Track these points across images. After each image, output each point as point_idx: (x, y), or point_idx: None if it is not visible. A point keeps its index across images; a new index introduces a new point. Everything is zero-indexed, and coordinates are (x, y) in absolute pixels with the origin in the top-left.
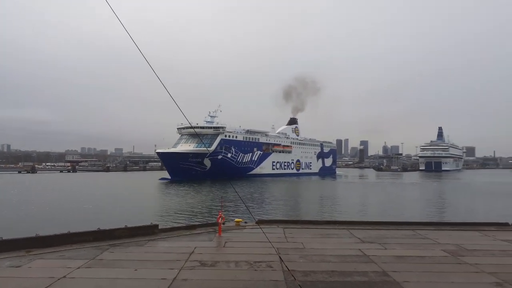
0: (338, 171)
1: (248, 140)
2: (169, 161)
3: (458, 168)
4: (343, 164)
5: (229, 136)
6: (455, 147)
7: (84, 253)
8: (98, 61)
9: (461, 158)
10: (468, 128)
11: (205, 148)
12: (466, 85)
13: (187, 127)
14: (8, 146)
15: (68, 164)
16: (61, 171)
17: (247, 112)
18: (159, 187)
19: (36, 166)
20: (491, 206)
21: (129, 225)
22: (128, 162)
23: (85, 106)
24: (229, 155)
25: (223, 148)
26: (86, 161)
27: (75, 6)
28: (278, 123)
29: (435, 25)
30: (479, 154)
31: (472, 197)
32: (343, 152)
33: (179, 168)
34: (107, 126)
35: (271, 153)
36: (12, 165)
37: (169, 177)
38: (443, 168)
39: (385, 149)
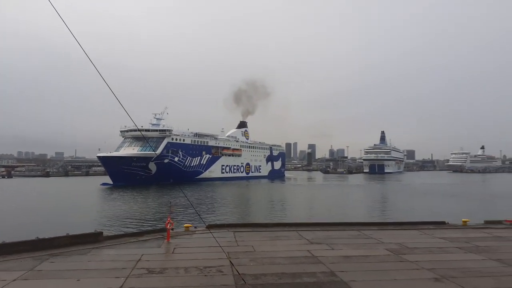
0: (287, 174)
1: (196, 143)
2: (111, 165)
3: (399, 170)
4: (292, 167)
5: (176, 139)
6: (397, 150)
7: (21, 264)
8: (36, 62)
9: (402, 160)
10: (408, 132)
11: (151, 152)
12: (405, 93)
13: (131, 130)
14: None
15: (3, 169)
16: None
17: (197, 116)
18: (101, 193)
19: None
20: (429, 205)
21: (71, 233)
22: (69, 167)
23: (21, 108)
24: (176, 159)
25: (170, 151)
26: (23, 166)
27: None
28: (228, 127)
29: (378, 37)
30: (418, 157)
31: (412, 198)
32: (292, 155)
33: (122, 173)
34: (46, 129)
35: (220, 157)
36: None
37: (111, 183)
38: (385, 170)
39: (331, 152)
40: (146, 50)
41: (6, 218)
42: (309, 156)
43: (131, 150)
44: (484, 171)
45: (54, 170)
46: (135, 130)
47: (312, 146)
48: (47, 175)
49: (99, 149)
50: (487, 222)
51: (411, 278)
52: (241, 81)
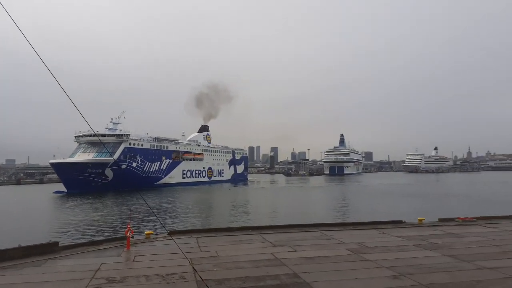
0: (250, 177)
1: (155, 148)
2: (65, 172)
3: (358, 172)
4: (255, 171)
5: (134, 144)
6: (356, 152)
7: None
8: None
9: (361, 162)
10: (366, 134)
11: (107, 158)
12: (363, 96)
13: (86, 135)
14: None
15: None
16: None
17: (159, 122)
18: (55, 202)
19: None
20: (387, 205)
21: (24, 244)
22: (21, 175)
23: None
24: (134, 164)
25: (128, 157)
26: None
27: None
28: (191, 131)
29: (337, 40)
30: (376, 158)
31: (371, 198)
32: (255, 158)
33: (77, 180)
34: None
35: (181, 161)
36: None
37: (65, 190)
38: (345, 172)
39: (293, 155)
40: (103, 52)
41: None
42: (272, 159)
43: (86, 156)
44: (438, 171)
45: (5, 178)
46: (90, 135)
47: (274, 149)
48: None
49: (54, 156)
50: (441, 220)
51: (371, 277)
52: (202, 84)
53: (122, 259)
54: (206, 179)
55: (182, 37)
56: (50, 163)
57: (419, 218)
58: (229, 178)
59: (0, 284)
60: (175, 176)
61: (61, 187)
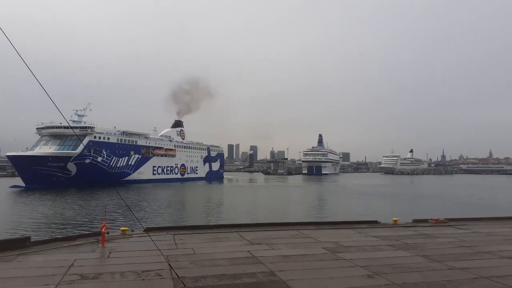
0: (229, 175)
1: (123, 142)
2: (23, 166)
3: (335, 172)
4: (234, 168)
5: (100, 138)
6: (333, 152)
7: None
8: None
9: (338, 162)
10: (344, 136)
11: (69, 151)
12: (342, 98)
13: (48, 127)
14: None
15: None
16: None
17: (133, 118)
18: (12, 197)
19: None
20: (363, 205)
21: None
22: None
23: None
24: (99, 158)
25: (92, 150)
26: None
27: None
28: (165, 127)
29: (319, 42)
30: (353, 159)
31: (347, 198)
32: (234, 156)
33: (36, 174)
34: None
35: (151, 157)
36: None
37: (23, 185)
38: (323, 172)
39: (272, 154)
40: (76, 40)
41: None
42: (251, 158)
43: (48, 149)
44: (413, 173)
45: None
46: (52, 127)
47: (254, 148)
48: None
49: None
50: (415, 221)
51: (346, 276)
52: (182, 78)
53: (97, 255)
54: (178, 176)
55: (163, 32)
56: (7, 155)
57: (393, 218)
58: (204, 175)
59: None
60: (144, 172)
61: (18, 181)
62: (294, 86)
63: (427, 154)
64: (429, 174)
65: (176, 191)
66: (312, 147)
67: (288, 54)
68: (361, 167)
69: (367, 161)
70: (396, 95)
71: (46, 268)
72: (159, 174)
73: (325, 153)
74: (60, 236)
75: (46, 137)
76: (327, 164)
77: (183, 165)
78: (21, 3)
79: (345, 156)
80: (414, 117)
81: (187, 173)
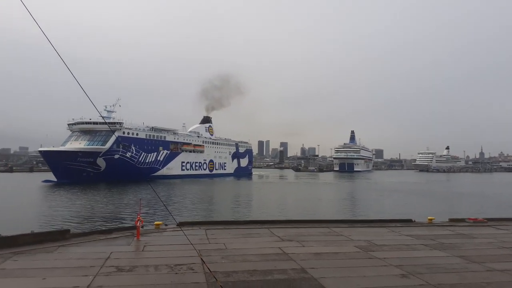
0: (259, 171)
1: (152, 138)
2: (54, 161)
3: (368, 169)
4: (264, 165)
5: (129, 133)
6: (366, 149)
7: None
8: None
9: (371, 159)
10: (377, 132)
11: (98, 147)
12: (375, 94)
13: (78, 123)
14: None
15: None
16: None
17: (162, 113)
18: (46, 191)
19: None
20: (396, 203)
21: (36, 231)
22: (34, 162)
23: None
24: (128, 154)
25: (121, 146)
26: None
27: None
28: (193, 122)
29: (356, 38)
30: (386, 156)
31: (381, 196)
32: (264, 153)
33: (67, 169)
34: (10, 123)
35: (180, 153)
36: None
37: (55, 180)
38: (355, 169)
39: (303, 150)
40: (111, 43)
41: None
42: (281, 154)
43: (78, 145)
44: (449, 170)
45: (19, 167)
46: (82, 123)
47: (284, 144)
48: (10, 170)
49: (41, 145)
50: (451, 220)
51: (379, 275)
52: (213, 75)
53: (132, 248)
54: (207, 172)
55: (196, 35)
56: (39, 151)
57: (429, 217)
58: (232, 171)
59: (13, 269)
60: (173, 167)
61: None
62: (326, 82)
63: (464, 151)
64: (466, 172)
65: (206, 187)
66: (344, 143)
67: (320, 51)
68: (395, 165)
69: (401, 158)
70: (433, 90)
71: (85, 260)
72: (187, 169)
73: (358, 149)
74: (97, 229)
75: (77, 132)
76: (359, 161)
77: (211, 161)
78: (66, 11)
79: (378, 153)
80: (451, 113)
81: (216, 169)
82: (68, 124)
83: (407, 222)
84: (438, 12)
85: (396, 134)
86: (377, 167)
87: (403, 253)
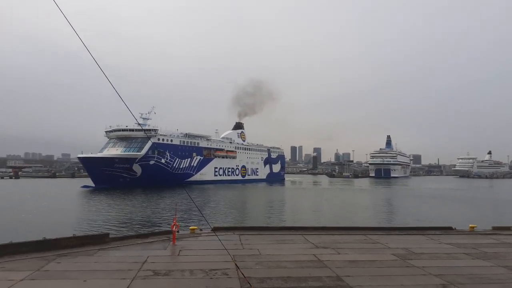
0: (292, 177)
1: (186, 144)
2: (93, 167)
3: (406, 175)
4: (297, 171)
5: (163, 140)
6: (403, 154)
7: (28, 264)
8: (44, 67)
9: (409, 165)
10: (415, 137)
11: (134, 153)
12: (411, 96)
13: (115, 130)
14: None
15: (10, 169)
16: (2, 178)
17: (195, 120)
18: (85, 196)
19: None
20: (435, 210)
21: (77, 234)
22: (76, 168)
23: (29, 110)
24: (163, 160)
25: (156, 152)
26: (30, 166)
27: (27, 12)
28: (225, 129)
29: (385, 38)
30: (424, 161)
31: (419, 203)
32: (297, 159)
33: (104, 175)
34: (53, 131)
35: (213, 159)
36: None
37: (93, 185)
38: (392, 175)
39: (337, 156)
40: (146, 52)
41: (13, 218)
42: (315, 160)
43: (115, 151)
44: (492, 176)
45: (62, 172)
46: (119, 130)
47: (317, 150)
48: (54, 176)
49: (81, 152)
50: (495, 228)
51: (418, 284)
52: (245, 81)
53: (168, 253)
54: (239, 177)
55: (228, 42)
56: (78, 157)
57: (470, 225)
58: (264, 177)
59: (56, 271)
60: (206, 173)
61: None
62: (359, 85)
63: (508, 156)
64: (511, 177)
65: (238, 192)
66: (380, 149)
67: (352, 53)
68: (433, 170)
69: (440, 163)
70: (473, 90)
71: (123, 263)
72: (220, 175)
73: (394, 155)
74: (135, 233)
75: (114, 139)
76: (396, 166)
77: (243, 166)
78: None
79: (416, 158)
80: (493, 115)
81: (248, 175)
82: (106, 132)
83: (447, 230)
84: (481, 5)
85: (434, 138)
86: (415, 173)
87: (443, 262)
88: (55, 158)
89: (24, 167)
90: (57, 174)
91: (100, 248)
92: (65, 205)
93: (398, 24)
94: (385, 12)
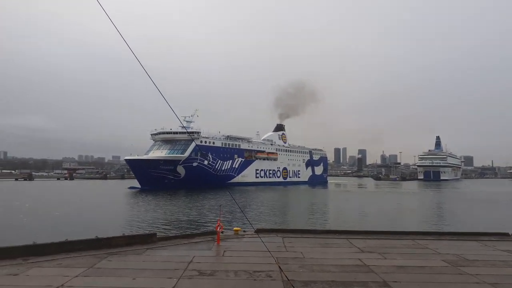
0: (336, 180)
1: (227, 146)
2: (139, 169)
3: (456, 178)
4: (341, 173)
5: (206, 142)
6: (453, 156)
7: (82, 261)
8: (96, 70)
9: (459, 167)
10: (466, 137)
11: (178, 155)
12: (462, 95)
13: (160, 133)
14: (5, 153)
15: (66, 171)
16: (58, 179)
17: (237, 122)
18: (132, 197)
19: (33, 173)
20: (491, 215)
21: (127, 234)
22: (125, 170)
23: (82, 114)
24: (205, 162)
25: (199, 154)
26: (83, 168)
27: (76, 15)
28: (266, 130)
29: (433, 36)
30: (477, 163)
31: (472, 207)
32: (341, 161)
33: (150, 177)
34: (104, 134)
35: (254, 160)
36: (10, 171)
37: (139, 186)
38: (441, 177)
39: (383, 158)
40: (186, 53)
41: (68, 216)
42: (359, 162)
43: (160, 153)
44: None
45: (113, 174)
46: (163, 133)
47: (362, 152)
48: (105, 177)
49: (131, 154)
50: None
51: None
52: (287, 83)
53: (213, 253)
54: (280, 179)
55: (271, 40)
56: (125, 159)
57: None
58: (306, 179)
59: (107, 268)
60: (247, 175)
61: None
62: (404, 84)
63: None
64: None
65: (280, 194)
66: (429, 150)
67: (397, 50)
68: (487, 173)
69: (494, 165)
70: None
71: (170, 263)
72: (261, 177)
73: (444, 156)
74: (181, 233)
75: (159, 142)
76: (446, 169)
77: (285, 168)
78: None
79: (468, 160)
80: None
81: (289, 177)
82: (151, 134)
83: (504, 236)
84: None
85: (488, 139)
86: (467, 175)
87: (498, 270)
88: (106, 160)
89: (78, 169)
90: (108, 175)
91: (148, 248)
92: (115, 205)
93: (450, 22)
94: (436, 7)
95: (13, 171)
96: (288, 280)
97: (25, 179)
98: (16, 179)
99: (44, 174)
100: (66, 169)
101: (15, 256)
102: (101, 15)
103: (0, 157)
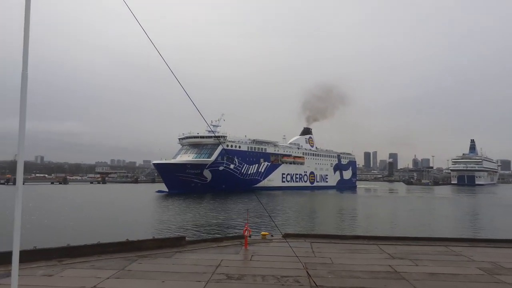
0: (366, 184)
1: (253, 150)
2: (167, 173)
3: (493, 182)
4: (372, 178)
5: (232, 146)
6: (489, 160)
7: (113, 263)
8: (128, 76)
9: (496, 171)
10: (503, 140)
11: (205, 159)
12: (498, 95)
13: (187, 137)
14: (42, 157)
15: (98, 175)
16: (91, 183)
17: (263, 126)
18: (160, 200)
19: (68, 177)
20: None
21: (157, 237)
22: (156, 174)
23: (115, 120)
24: (231, 166)
25: (225, 158)
26: (115, 172)
27: (109, 22)
28: (293, 134)
29: (466, 35)
30: None
31: (509, 213)
32: (371, 165)
33: (177, 180)
34: (135, 139)
35: (280, 165)
36: (46, 175)
37: (167, 190)
38: (476, 182)
39: (415, 162)
40: (216, 58)
41: (101, 219)
42: (390, 166)
43: (187, 157)
44: None
45: (143, 177)
46: (190, 137)
47: (393, 156)
48: (136, 181)
49: (161, 158)
50: None
51: None
52: (314, 86)
53: (241, 257)
54: (308, 184)
55: (299, 45)
56: (153, 163)
57: None
58: (334, 184)
59: (138, 271)
60: (274, 179)
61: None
62: (438, 86)
63: None
64: None
65: (307, 199)
66: (463, 154)
67: (429, 52)
68: None
69: None
70: None
71: (198, 266)
72: (288, 181)
73: (479, 160)
74: (209, 237)
75: (186, 146)
76: (481, 173)
77: (312, 173)
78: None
79: (505, 164)
80: None
81: (317, 181)
82: (179, 139)
83: None
84: None
85: None
86: (504, 180)
87: None
88: (137, 165)
89: (110, 173)
90: (138, 179)
91: (177, 251)
92: (144, 208)
93: (484, 18)
94: (466, 5)
95: (46, 175)
96: (317, 285)
97: (60, 183)
98: (52, 183)
99: (78, 178)
100: (99, 173)
101: (51, 257)
102: (133, 25)
103: (37, 161)
